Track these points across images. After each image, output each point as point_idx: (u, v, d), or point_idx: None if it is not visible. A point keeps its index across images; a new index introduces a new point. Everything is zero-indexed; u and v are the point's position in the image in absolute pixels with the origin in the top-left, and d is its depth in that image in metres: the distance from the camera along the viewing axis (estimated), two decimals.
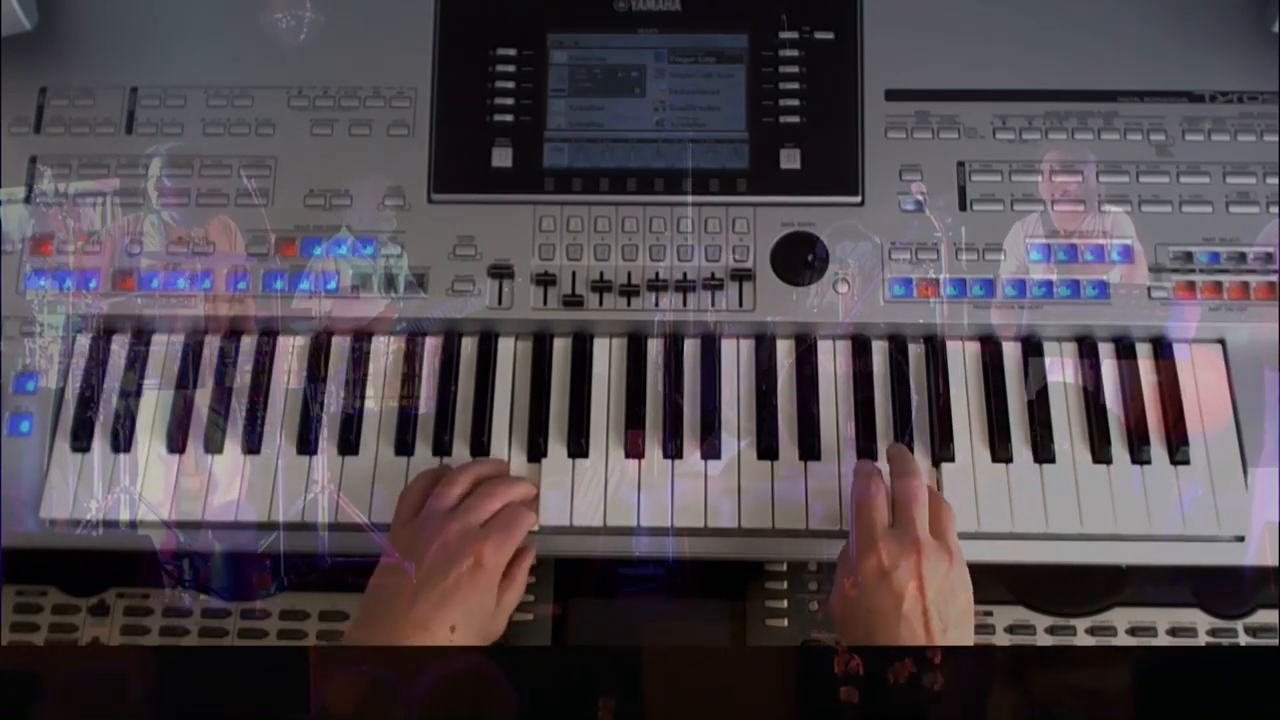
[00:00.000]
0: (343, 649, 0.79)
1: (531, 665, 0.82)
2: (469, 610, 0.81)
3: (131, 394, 0.92)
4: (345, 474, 0.90)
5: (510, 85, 0.97)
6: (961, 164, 0.95)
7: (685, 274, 0.93)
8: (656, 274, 0.93)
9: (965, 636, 0.80)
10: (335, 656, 0.79)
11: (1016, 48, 0.97)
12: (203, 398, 0.92)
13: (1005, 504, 0.89)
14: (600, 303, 0.93)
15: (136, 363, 0.93)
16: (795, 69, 0.97)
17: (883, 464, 0.88)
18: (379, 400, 0.93)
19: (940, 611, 0.78)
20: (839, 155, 0.95)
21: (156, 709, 0.79)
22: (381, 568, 0.83)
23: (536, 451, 0.91)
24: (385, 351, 0.94)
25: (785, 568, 0.96)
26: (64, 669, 0.81)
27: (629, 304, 0.93)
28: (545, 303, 0.93)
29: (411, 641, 0.79)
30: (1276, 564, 0.87)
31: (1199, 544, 0.88)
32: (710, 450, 0.90)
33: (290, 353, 0.94)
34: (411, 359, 0.93)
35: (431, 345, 0.94)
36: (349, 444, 0.91)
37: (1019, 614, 0.95)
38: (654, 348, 0.94)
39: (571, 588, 0.96)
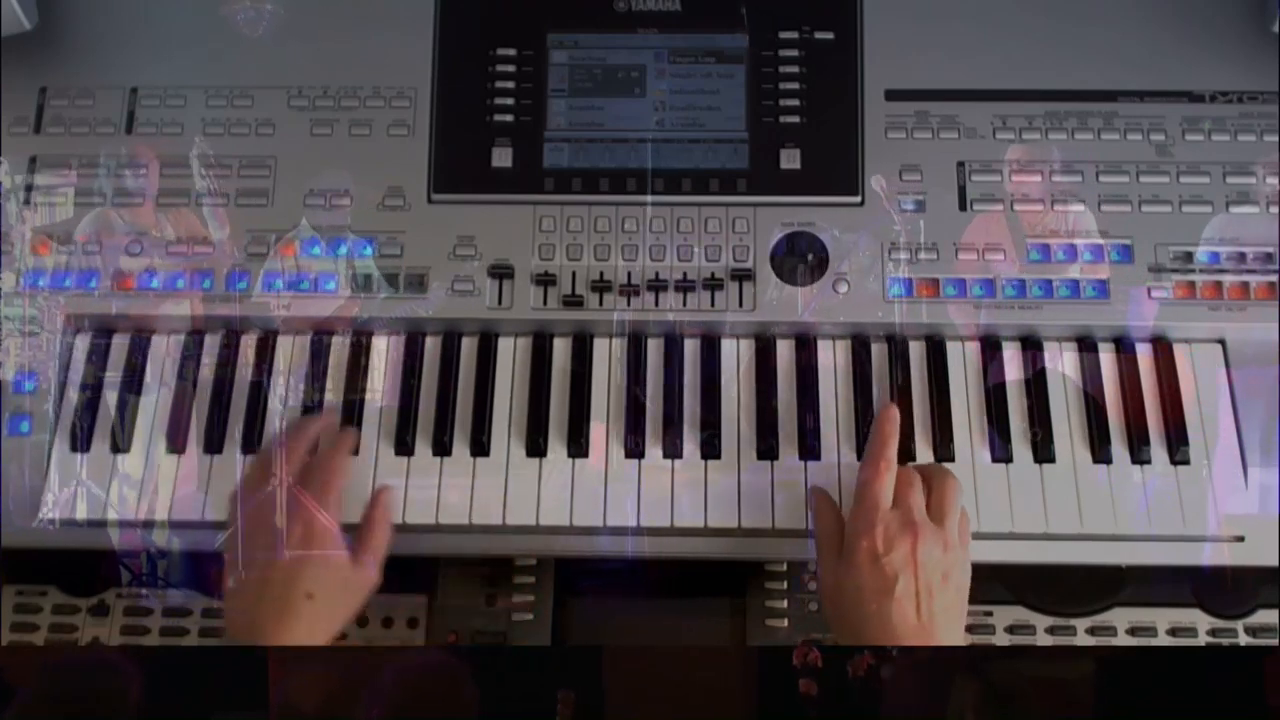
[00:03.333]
0: (300, 649, 0.80)
1: (492, 663, 0.82)
2: (318, 570, 0.81)
3: (131, 394, 0.92)
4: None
5: (510, 85, 0.97)
6: (961, 164, 0.95)
7: (685, 274, 0.93)
8: (656, 274, 0.93)
9: (957, 621, 0.80)
10: (297, 657, 0.79)
11: (1016, 48, 0.97)
12: (202, 397, 0.92)
13: (1005, 504, 0.89)
14: (600, 303, 0.93)
15: (136, 362, 0.93)
16: (795, 69, 0.97)
17: None
18: (379, 400, 0.92)
19: (931, 595, 0.78)
20: (839, 155, 0.95)
21: (155, 708, 0.80)
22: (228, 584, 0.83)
23: (536, 451, 0.91)
24: (385, 351, 0.94)
25: (785, 568, 0.96)
26: (64, 669, 0.81)
27: (629, 304, 0.93)
28: (545, 303, 0.93)
29: (278, 627, 0.79)
30: (1276, 564, 0.87)
31: (1199, 544, 0.88)
32: (710, 450, 0.90)
33: (290, 353, 0.94)
34: (411, 359, 0.93)
35: (431, 345, 0.94)
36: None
37: (1019, 614, 0.95)
38: (654, 348, 0.94)
39: (571, 587, 0.96)
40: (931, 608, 0.78)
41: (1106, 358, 0.93)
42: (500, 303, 0.93)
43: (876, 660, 0.81)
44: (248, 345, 0.94)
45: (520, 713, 0.81)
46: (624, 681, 0.81)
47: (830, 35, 0.98)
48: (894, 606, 0.77)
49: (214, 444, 0.91)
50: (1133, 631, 0.94)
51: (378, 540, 0.85)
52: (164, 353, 0.94)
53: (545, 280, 0.93)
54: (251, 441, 0.91)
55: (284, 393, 0.93)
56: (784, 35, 0.98)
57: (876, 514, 0.80)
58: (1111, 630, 0.94)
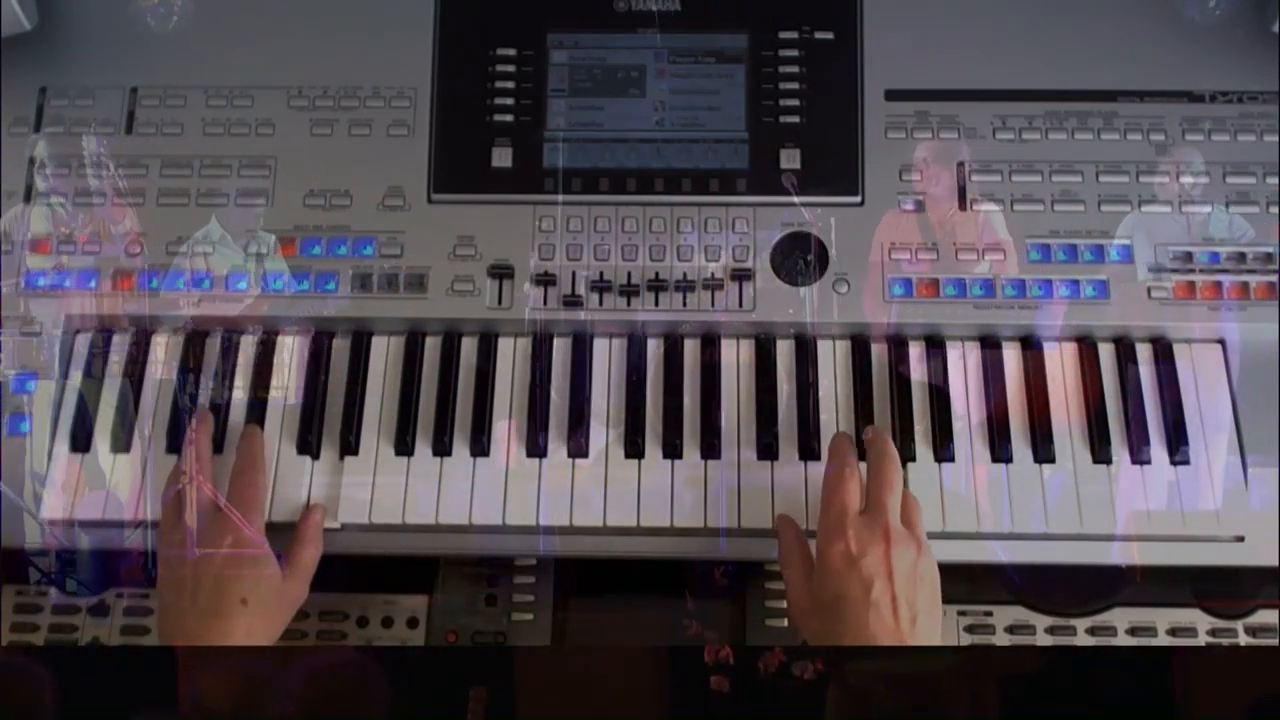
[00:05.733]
0: (217, 649, 0.81)
1: (405, 663, 0.84)
2: (251, 581, 0.83)
3: (131, 394, 0.92)
4: (345, 474, 0.90)
5: (510, 85, 0.97)
6: (961, 164, 0.95)
7: (685, 274, 0.93)
8: (656, 274, 0.93)
9: (934, 626, 0.80)
10: (206, 656, 0.81)
11: (1016, 48, 0.97)
12: (202, 398, 0.92)
13: (1005, 504, 0.89)
14: (600, 303, 0.93)
15: (136, 362, 0.93)
16: (795, 69, 0.97)
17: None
18: (379, 400, 0.92)
19: (909, 600, 0.77)
20: (839, 155, 0.95)
21: (155, 707, 0.80)
22: (162, 579, 0.85)
23: (536, 451, 0.91)
24: (385, 351, 0.94)
25: None
26: (64, 669, 0.81)
27: (629, 304, 0.93)
28: (545, 303, 0.93)
29: (212, 630, 0.81)
30: (1276, 564, 0.87)
31: (1199, 544, 0.88)
32: (710, 450, 0.90)
33: (290, 353, 0.94)
34: (412, 359, 0.93)
35: (431, 345, 0.94)
36: (349, 444, 0.91)
37: (1019, 614, 0.95)
38: (654, 348, 0.94)
39: (572, 588, 0.96)
40: (912, 611, 0.77)
41: (1106, 358, 0.93)
42: (500, 303, 0.93)
43: (789, 658, 0.81)
44: (247, 345, 0.94)
45: (431, 712, 0.82)
46: (538, 680, 0.82)
47: (830, 35, 0.98)
48: (871, 611, 0.77)
49: (216, 444, 0.91)
50: (1133, 631, 0.94)
51: (309, 556, 0.87)
52: (164, 352, 0.94)
53: (545, 280, 0.93)
54: None
55: (285, 393, 0.93)
56: (784, 35, 0.98)
57: (846, 518, 0.80)
58: (1111, 630, 0.94)
